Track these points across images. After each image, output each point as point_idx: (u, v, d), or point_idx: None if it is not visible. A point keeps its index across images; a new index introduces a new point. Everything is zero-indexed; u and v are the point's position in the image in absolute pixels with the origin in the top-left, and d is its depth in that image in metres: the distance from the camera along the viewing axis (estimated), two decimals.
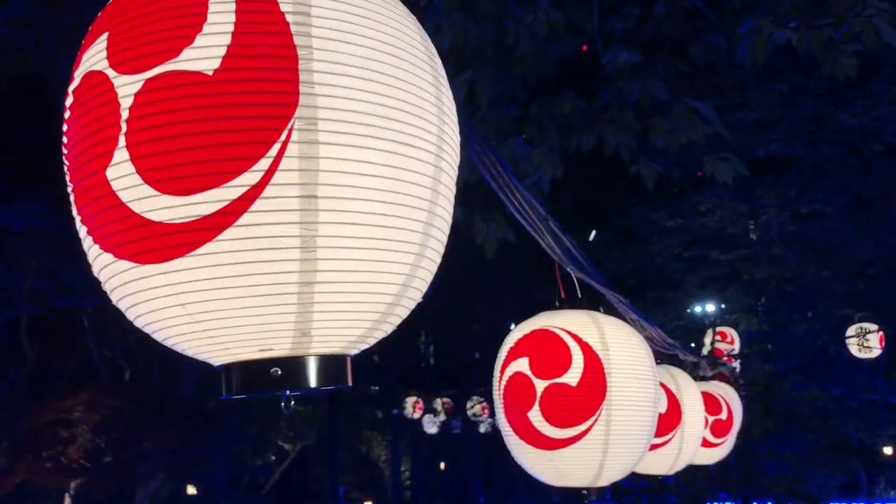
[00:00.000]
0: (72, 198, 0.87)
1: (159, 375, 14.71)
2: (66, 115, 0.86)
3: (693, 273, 7.57)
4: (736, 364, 6.27)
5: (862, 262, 7.53)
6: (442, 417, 14.63)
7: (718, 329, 7.21)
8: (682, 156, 6.36)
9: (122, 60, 0.80)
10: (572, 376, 1.80)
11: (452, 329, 16.81)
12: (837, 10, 3.21)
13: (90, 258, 0.87)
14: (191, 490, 14.91)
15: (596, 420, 1.77)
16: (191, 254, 0.78)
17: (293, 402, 0.89)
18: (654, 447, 2.84)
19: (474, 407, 13.74)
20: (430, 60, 0.91)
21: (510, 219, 4.06)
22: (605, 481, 1.84)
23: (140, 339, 14.96)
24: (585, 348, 1.83)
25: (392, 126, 0.83)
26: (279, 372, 0.84)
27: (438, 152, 0.88)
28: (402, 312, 0.93)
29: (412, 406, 14.69)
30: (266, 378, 0.84)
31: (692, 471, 7.05)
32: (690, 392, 2.87)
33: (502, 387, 1.91)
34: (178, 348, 0.90)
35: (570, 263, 2.03)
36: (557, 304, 1.99)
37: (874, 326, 6.93)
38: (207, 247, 0.78)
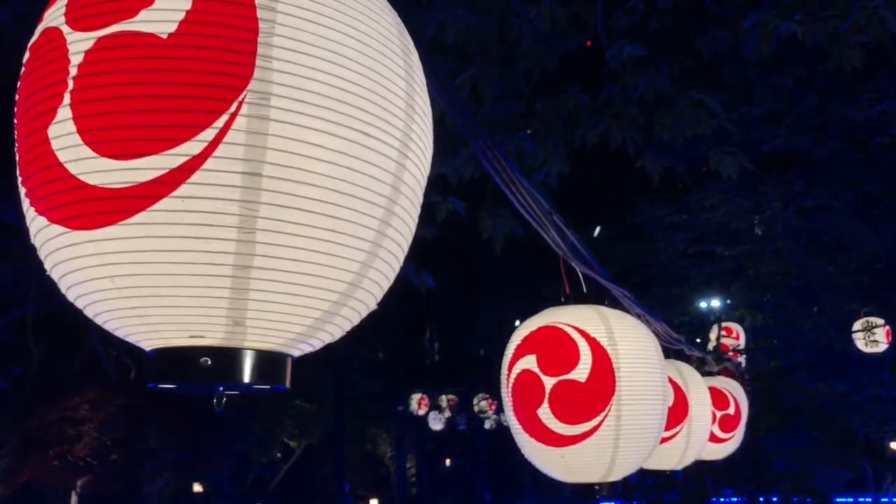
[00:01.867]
0: (17, 157, 0.83)
1: None
2: (22, 70, 0.83)
3: (698, 269, 7.55)
4: (741, 359, 6.26)
5: (868, 256, 7.50)
6: (447, 414, 14.63)
7: (724, 324, 7.19)
8: (686, 151, 6.34)
9: (79, 17, 0.77)
10: (581, 372, 1.79)
11: (457, 326, 16.81)
12: (843, 1, 3.20)
13: (27, 222, 0.83)
14: (197, 487, 14.95)
15: (606, 415, 1.76)
16: (123, 222, 0.74)
17: (224, 401, 0.84)
18: (661, 441, 2.84)
19: (479, 403, 13.74)
20: (404, 55, 0.87)
21: (517, 213, 4.06)
22: (616, 476, 1.83)
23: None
24: (593, 343, 1.82)
25: (352, 113, 0.79)
26: (209, 362, 0.79)
27: (403, 149, 0.84)
28: (351, 316, 0.87)
29: (417, 403, 14.69)
30: (196, 368, 0.80)
31: (699, 466, 7.05)
32: (697, 386, 2.86)
33: (510, 385, 1.90)
34: (110, 327, 0.85)
35: (575, 258, 2.02)
36: (563, 299, 1.98)
37: (881, 321, 6.91)
38: (140, 216, 0.74)
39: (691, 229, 7.17)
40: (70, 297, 0.84)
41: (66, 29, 0.78)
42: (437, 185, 3.71)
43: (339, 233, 0.79)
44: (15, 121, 0.83)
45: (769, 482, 6.70)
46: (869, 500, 12.27)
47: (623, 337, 1.84)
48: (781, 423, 6.94)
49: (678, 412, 2.78)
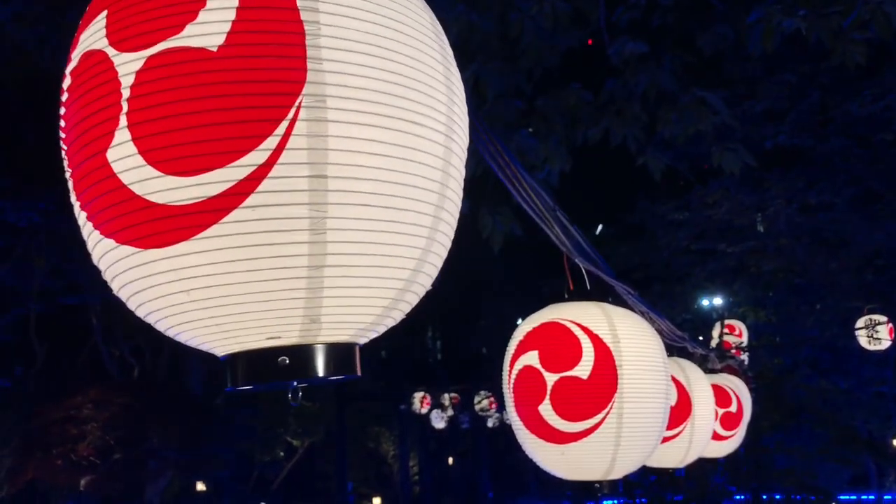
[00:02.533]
0: (70, 183, 0.84)
1: (167, 373, 14.76)
2: (64, 97, 0.83)
3: (700, 266, 7.53)
4: (744, 357, 6.24)
5: (871, 253, 7.48)
6: (450, 412, 14.63)
7: (726, 322, 7.18)
8: (688, 148, 6.33)
9: (123, 38, 0.77)
10: (583, 369, 1.78)
11: (459, 324, 16.80)
12: None
13: (90, 245, 0.84)
14: (200, 486, 14.96)
15: (608, 413, 1.75)
16: (195, 237, 0.75)
17: (300, 395, 0.87)
18: (664, 440, 2.82)
19: (482, 402, 13.74)
20: (437, 39, 0.89)
21: (517, 212, 4.05)
22: (617, 474, 1.82)
23: (148, 337, 15.03)
24: (596, 340, 1.81)
25: (401, 104, 0.80)
26: (287, 361, 0.81)
27: (448, 132, 0.86)
28: (412, 299, 0.90)
29: (420, 401, 14.69)
30: (273, 367, 0.81)
31: (702, 464, 7.04)
32: (700, 384, 2.85)
33: (512, 381, 1.90)
34: (183, 338, 0.86)
35: (578, 255, 2.01)
36: (566, 295, 1.97)
37: (884, 318, 6.90)
38: (213, 229, 0.74)
39: (693, 226, 7.16)
40: (141, 313, 0.85)
41: (111, 51, 0.78)
42: None
43: (402, 222, 0.81)
44: (65, 147, 0.83)
45: (772, 480, 6.69)
46: (872, 497, 12.26)
47: (626, 334, 1.83)
48: (784, 420, 6.93)
49: (681, 410, 2.77)
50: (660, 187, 7.49)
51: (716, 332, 6.86)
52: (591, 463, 1.78)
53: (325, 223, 0.76)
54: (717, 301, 8.93)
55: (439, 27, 0.92)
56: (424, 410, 14.76)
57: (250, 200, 0.74)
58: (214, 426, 14.01)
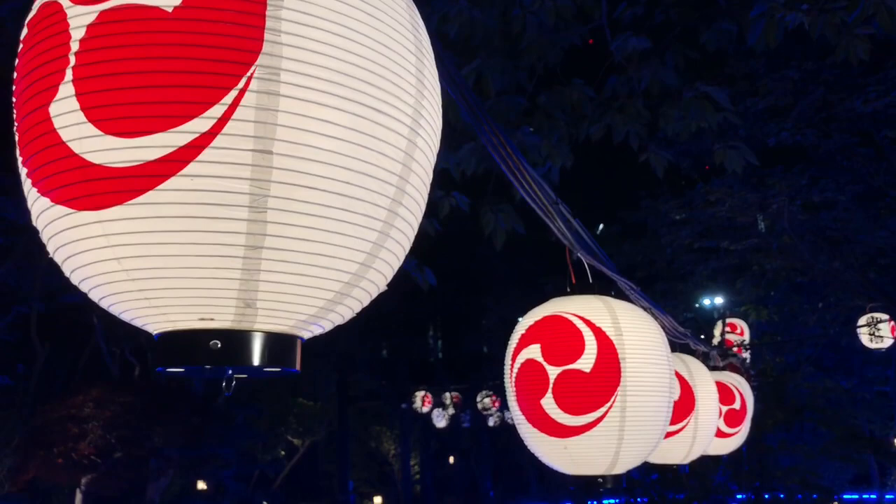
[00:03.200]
0: (16, 138, 0.80)
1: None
2: (20, 48, 0.81)
3: (703, 264, 7.52)
4: (746, 355, 6.23)
5: (874, 251, 7.46)
6: (451, 411, 14.62)
7: (728, 320, 7.16)
8: (691, 147, 6.31)
9: None
10: (586, 362, 1.77)
11: (461, 324, 16.79)
12: None
13: (30, 204, 0.81)
14: (201, 485, 14.96)
15: (611, 406, 1.74)
16: (130, 202, 0.72)
17: (234, 385, 0.83)
18: (668, 435, 2.81)
19: (483, 400, 13.73)
20: (413, 30, 0.86)
21: (519, 209, 4.05)
22: (620, 469, 1.81)
23: (150, 336, 15.01)
24: (598, 333, 1.79)
25: (362, 88, 0.77)
26: (219, 345, 0.77)
27: (414, 126, 0.82)
28: (361, 297, 0.86)
29: (421, 400, 14.69)
30: (205, 351, 0.78)
31: (705, 462, 7.05)
32: (704, 380, 2.84)
33: (514, 374, 1.88)
34: (116, 311, 0.83)
35: (580, 249, 1.99)
36: (569, 289, 1.96)
37: (885, 316, 6.87)
38: (148, 195, 0.71)
39: (696, 224, 7.14)
40: (74, 280, 0.82)
41: (66, 3, 0.75)
42: (439, 180, 3.70)
43: (351, 212, 0.77)
44: (14, 99, 0.80)
45: (775, 478, 6.67)
46: (874, 496, 12.24)
47: (629, 327, 1.81)
48: (787, 418, 6.91)
49: (685, 406, 2.76)
50: (662, 185, 7.49)
51: (717, 331, 6.86)
52: (594, 457, 1.77)
53: (267, 202, 0.73)
54: (719, 300, 8.92)
55: (419, 21, 0.89)
56: (426, 409, 14.75)
57: (189, 169, 0.71)
58: (215, 426, 14.01)
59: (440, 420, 14.78)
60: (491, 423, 14.43)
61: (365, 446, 18.87)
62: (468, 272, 14.14)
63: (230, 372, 0.82)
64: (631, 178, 7.80)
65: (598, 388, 1.75)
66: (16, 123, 0.80)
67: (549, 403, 1.77)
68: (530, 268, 12.20)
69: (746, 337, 7.07)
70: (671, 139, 5.03)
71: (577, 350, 1.78)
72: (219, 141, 0.71)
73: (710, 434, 2.91)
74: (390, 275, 0.88)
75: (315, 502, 16.80)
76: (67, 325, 13.98)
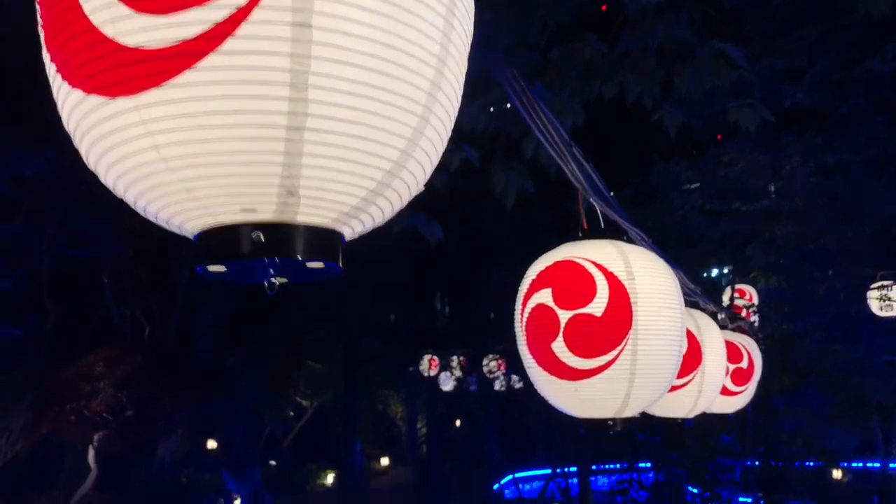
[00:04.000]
0: (41, 35, 0.78)
1: (178, 333, 14.89)
2: None
3: (714, 227, 7.47)
4: (754, 318, 6.23)
5: (887, 219, 7.40)
6: (458, 374, 14.72)
7: (737, 287, 7.14)
8: (705, 109, 6.23)
9: None
10: (597, 306, 1.76)
11: (468, 290, 16.83)
12: None
13: (59, 103, 0.78)
14: (211, 444, 15.18)
15: (622, 350, 1.73)
16: (166, 83, 0.69)
17: (277, 283, 0.81)
18: (673, 389, 2.82)
19: (489, 364, 13.80)
20: None
21: (529, 168, 4.01)
22: (630, 412, 1.81)
23: (159, 298, 15.11)
24: (610, 278, 1.79)
25: None
26: (262, 238, 0.75)
27: (451, 6, 0.80)
28: (401, 190, 0.83)
29: (428, 363, 14.78)
30: (248, 244, 0.76)
31: (710, 423, 7.09)
32: (712, 334, 2.83)
33: (524, 319, 1.88)
34: (155, 209, 0.80)
35: (593, 194, 1.98)
36: (580, 234, 1.95)
37: None
38: (185, 76, 0.68)
39: (708, 187, 7.08)
40: (110, 180, 0.79)
41: None
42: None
43: (392, 92, 0.75)
44: None
45: (780, 441, 6.70)
46: (877, 464, 12.31)
47: (642, 271, 1.80)
48: (794, 383, 6.91)
49: (691, 360, 2.76)
50: (674, 148, 7.41)
51: (726, 297, 6.83)
52: (605, 400, 1.77)
53: (307, 78, 0.70)
54: (729, 266, 8.88)
55: None
56: (433, 373, 14.86)
57: (227, 45, 0.68)
58: (224, 387, 14.17)
59: (447, 383, 14.89)
60: (497, 386, 14.53)
61: (372, 409, 19.06)
62: (477, 238, 14.13)
63: (272, 272, 0.80)
64: (643, 142, 7.73)
65: (609, 332, 1.74)
66: (40, 20, 0.77)
67: (559, 347, 1.77)
68: (540, 236, 12.18)
69: (755, 303, 7.05)
70: (685, 98, 4.96)
71: (589, 294, 1.77)
72: (257, 14, 0.68)
73: (716, 388, 2.91)
74: (429, 170, 0.86)
75: (323, 462, 17.04)
76: (78, 287, 14.09)
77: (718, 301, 6.65)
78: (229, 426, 14.49)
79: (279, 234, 0.77)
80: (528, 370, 1.90)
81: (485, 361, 13.93)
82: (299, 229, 0.78)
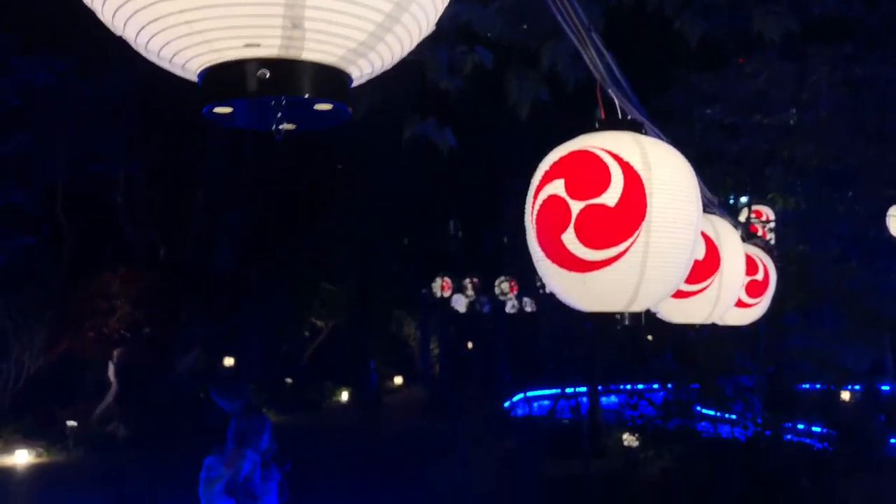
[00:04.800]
0: None
1: (192, 253, 15.01)
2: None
3: (733, 142, 7.29)
4: (771, 237, 6.15)
5: None
6: (470, 296, 14.83)
7: (754, 207, 7.02)
8: (727, 18, 5.98)
9: None
10: (611, 196, 1.69)
11: (481, 213, 16.76)
12: None
13: None
14: (228, 362, 15.51)
15: (634, 241, 1.67)
16: None
17: (284, 128, 0.78)
18: (690, 294, 2.77)
19: (501, 286, 13.86)
20: None
21: (544, 77, 3.88)
22: (640, 306, 1.76)
23: (174, 218, 15.17)
24: (626, 168, 1.71)
25: None
26: (267, 74, 0.73)
27: None
28: (410, 26, 0.80)
29: (440, 285, 14.87)
30: (253, 81, 0.74)
31: (721, 337, 7.11)
32: (730, 239, 2.77)
33: (535, 211, 1.82)
34: (158, 45, 0.77)
35: (611, 84, 1.88)
36: (597, 125, 1.86)
37: None
38: None
39: (728, 101, 6.88)
40: (108, 14, 0.76)
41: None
42: (462, 35, 3.53)
43: None
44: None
45: (792, 358, 6.70)
46: (887, 387, 12.39)
47: (659, 162, 1.73)
48: (808, 301, 6.85)
49: (709, 264, 2.70)
50: (696, 61, 7.18)
51: (742, 217, 6.73)
52: (614, 293, 1.72)
53: None
54: (746, 188, 8.73)
55: None
56: (445, 294, 14.96)
57: None
58: (239, 304, 14.37)
59: (459, 304, 15.01)
60: (508, 308, 14.63)
61: (385, 330, 19.35)
62: (491, 156, 13.98)
63: (279, 115, 0.77)
64: (662, 56, 7.49)
65: (621, 223, 1.68)
66: None
67: (569, 238, 1.71)
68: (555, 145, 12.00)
69: (772, 223, 6.95)
70: (708, 6, 4.76)
71: (603, 184, 1.70)
72: None
73: (733, 295, 2.86)
74: (434, 14, 0.82)
75: (338, 380, 17.40)
76: (92, 208, 14.16)
77: (734, 222, 6.54)
78: (245, 344, 14.77)
79: (286, 72, 0.74)
80: (536, 265, 1.85)
81: (497, 282, 13.99)
82: (306, 66, 0.75)
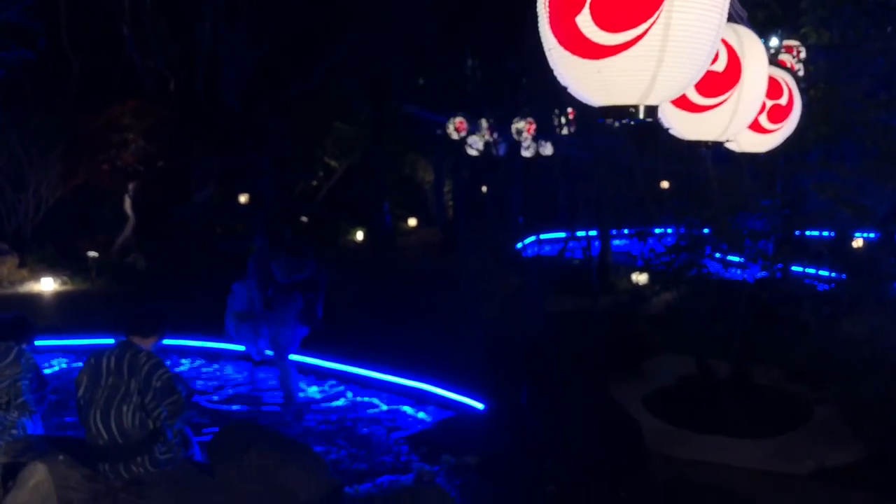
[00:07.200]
0: None
1: (203, 85, 14.71)
2: None
3: None
4: (799, 67, 5.87)
5: None
6: (486, 137, 14.56)
7: (785, 42, 6.65)
8: None
9: None
10: None
11: (499, 50, 16.10)
12: None
13: None
14: (243, 199, 15.62)
15: (653, 23, 1.55)
16: None
17: None
18: (707, 108, 2.64)
19: (518, 124, 13.53)
20: None
21: None
22: (654, 99, 1.67)
23: (183, 49, 14.71)
24: None
25: None
26: None
27: None
28: None
29: (455, 126, 14.58)
30: None
31: (735, 172, 6.99)
32: (754, 50, 2.60)
33: None
34: None
35: None
36: None
37: None
38: None
39: None
40: None
41: None
42: None
43: None
44: None
45: (808, 193, 6.60)
46: None
47: None
48: (832, 133, 6.62)
49: (729, 76, 2.55)
50: None
51: (773, 45, 6.40)
52: (629, 82, 1.62)
53: None
54: (778, 23, 8.25)
55: None
56: (461, 135, 14.69)
57: None
58: (251, 137, 14.26)
59: (475, 146, 14.79)
60: (524, 152, 14.39)
61: (399, 172, 19.26)
62: None
63: None
64: None
65: (640, 2, 1.55)
66: None
67: (584, 20, 1.59)
68: None
69: (803, 56, 6.61)
70: None
71: None
72: None
73: (751, 113, 2.73)
74: None
75: (352, 220, 17.57)
76: (99, 39, 13.72)
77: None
78: (259, 177, 14.81)
79: None
80: (547, 53, 1.74)
81: (513, 121, 13.63)
82: None
